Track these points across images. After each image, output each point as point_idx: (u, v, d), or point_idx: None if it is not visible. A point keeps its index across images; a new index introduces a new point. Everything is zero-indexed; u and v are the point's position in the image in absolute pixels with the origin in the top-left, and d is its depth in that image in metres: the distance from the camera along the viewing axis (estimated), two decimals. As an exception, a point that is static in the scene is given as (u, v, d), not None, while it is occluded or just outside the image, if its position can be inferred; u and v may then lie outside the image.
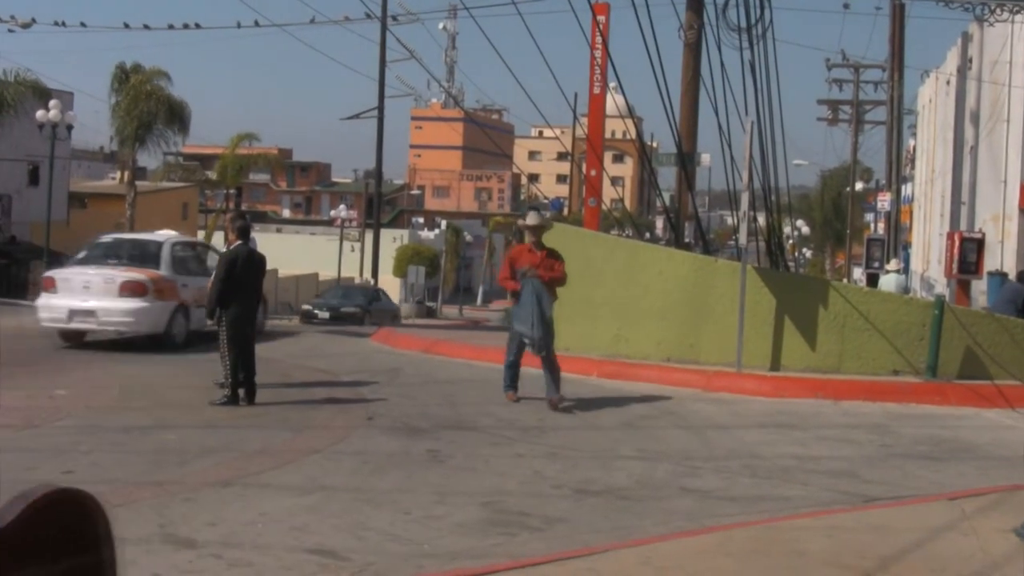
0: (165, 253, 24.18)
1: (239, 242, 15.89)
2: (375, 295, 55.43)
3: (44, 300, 23.69)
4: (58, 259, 50.70)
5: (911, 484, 11.87)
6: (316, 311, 51.05)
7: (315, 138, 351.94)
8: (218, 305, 15.54)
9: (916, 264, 53.02)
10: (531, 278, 15.67)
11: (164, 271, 23.61)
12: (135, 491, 10.22)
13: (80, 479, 10.63)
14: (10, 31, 49.79)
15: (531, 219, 16.66)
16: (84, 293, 22.82)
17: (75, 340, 23.93)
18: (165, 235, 25.77)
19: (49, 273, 25.17)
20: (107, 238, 26.24)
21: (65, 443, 12.39)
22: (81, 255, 24.85)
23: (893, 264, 31.12)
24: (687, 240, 27.49)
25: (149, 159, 77.11)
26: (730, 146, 24.44)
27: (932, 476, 12.38)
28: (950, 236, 31.51)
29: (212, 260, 25.10)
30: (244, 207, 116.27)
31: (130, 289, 22.69)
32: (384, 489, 10.83)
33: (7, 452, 11.80)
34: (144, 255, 24.08)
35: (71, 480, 10.57)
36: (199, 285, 23.11)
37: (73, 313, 22.85)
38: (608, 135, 43.10)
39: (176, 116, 53.23)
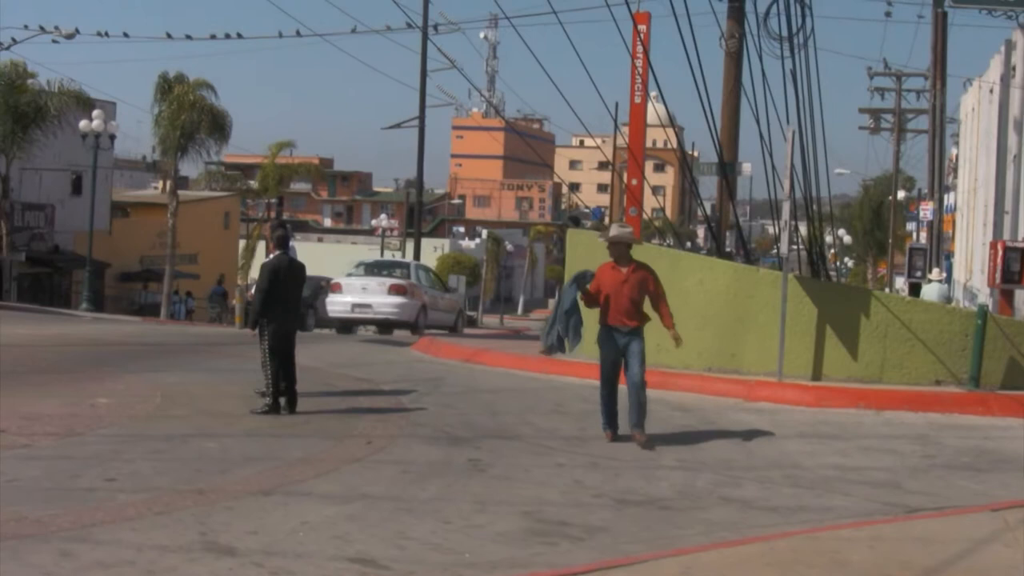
0: (412, 269, 36.56)
1: (279, 252, 15.91)
2: (324, 286, 39.33)
3: (332, 298, 33.79)
4: (100, 268, 51.13)
5: (954, 495, 11.80)
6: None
7: (356, 148, 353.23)
8: (262, 316, 15.55)
9: (959, 274, 52.70)
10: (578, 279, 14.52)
11: (414, 280, 34.68)
12: (176, 499, 10.26)
13: (122, 487, 10.70)
14: (54, 42, 50.12)
15: (612, 231, 14.63)
16: (362, 293, 33.12)
17: (347, 329, 35.10)
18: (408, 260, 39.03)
19: (336, 280, 34.98)
20: (369, 260, 41.21)
21: (107, 451, 12.44)
22: (354, 270, 36.07)
23: (935, 273, 30.93)
24: (728, 249, 27.43)
25: (191, 168, 77.44)
26: (771, 155, 24.35)
27: (975, 487, 12.31)
28: (993, 245, 31.25)
29: (431, 279, 38.32)
30: (285, 216, 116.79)
31: (396, 289, 33.08)
32: (425, 498, 10.84)
33: (51, 460, 11.87)
34: (399, 270, 36.10)
35: (113, 488, 10.63)
36: (432, 294, 36.00)
37: (354, 306, 33.17)
38: (649, 144, 43.02)
39: (218, 126, 53.42)
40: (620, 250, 14.42)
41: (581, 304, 14.62)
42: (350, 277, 34.90)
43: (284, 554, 8.67)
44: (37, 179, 52.12)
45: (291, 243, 16.59)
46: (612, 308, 14.20)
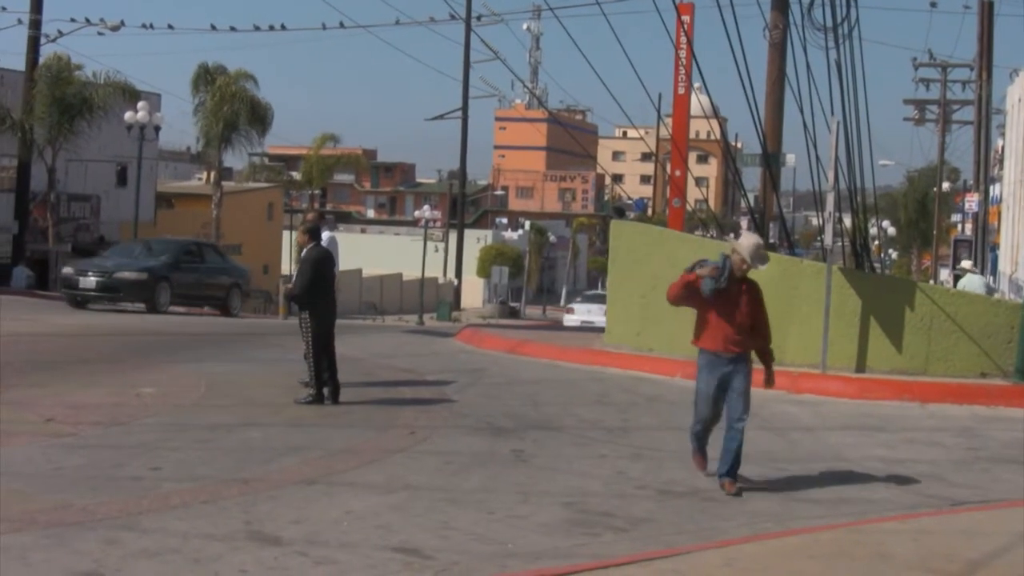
0: None
1: (313, 243, 15.94)
2: (194, 252, 35.47)
3: (567, 317, 53.99)
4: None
5: (999, 488, 11.75)
6: (79, 278, 32.20)
7: (399, 139, 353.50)
8: (308, 306, 15.61)
9: (1004, 266, 52.35)
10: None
11: None
12: (221, 488, 10.32)
13: (167, 476, 10.76)
14: (100, 34, 50.42)
15: (747, 244, 11.61)
16: (588, 314, 50.29)
17: (571, 331, 40.34)
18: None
19: (570, 305, 57.57)
20: (589, 293, 61.99)
21: (152, 440, 12.52)
22: (582, 298, 57.59)
23: (967, 263, 30.67)
24: (772, 241, 27.35)
25: (234, 159, 77.70)
26: (815, 146, 24.25)
27: (1021, 480, 12.23)
28: (1039, 237, 31.08)
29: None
30: (329, 207, 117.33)
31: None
32: (468, 488, 10.86)
33: (96, 449, 11.95)
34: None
35: (159, 477, 10.70)
36: None
37: (583, 321, 49.01)
38: (692, 135, 43.03)
39: (259, 117, 53.51)
40: (739, 263, 11.54)
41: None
42: (580, 303, 55.89)
43: (328, 543, 8.71)
44: (83, 170, 52.41)
45: (325, 233, 16.72)
46: (716, 330, 11.52)
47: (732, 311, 11.43)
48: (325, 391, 15.48)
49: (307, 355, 15.65)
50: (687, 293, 11.51)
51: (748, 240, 11.67)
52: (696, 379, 11.66)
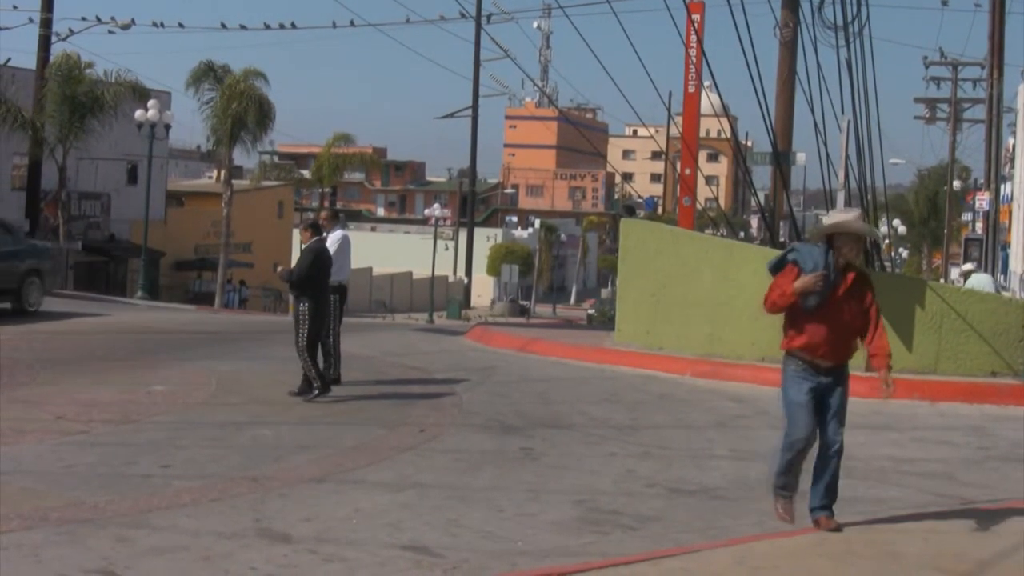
0: None
1: (316, 238, 16.02)
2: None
3: None
4: (156, 257, 51.45)
5: (1009, 487, 11.72)
6: None
7: (410, 137, 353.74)
8: (305, 296, 15.71)
9: (1015, 264, 52.28)
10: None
11: None
12: (231, 486, 10.34)
13: (177, 473, 10.79)
14: (110, 32, 50.49)
15: (836, 218, 9.42)
16: None
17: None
18: None
19: None
20: None
21: (162, 438, 12.55)
22: None
23: (968, 265, 30.63)
24: (782, 239, 27.31)
25: (244, 158, 77.84)
26: (826, 145, 24.20)
27: (1031, 479, 12.22)
28: (1050, 236, 31.03)
29: None
30: (339, 205, 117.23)
31: None
32: (478, 486, 10.87)
33: (107, 446, 11.97)
34: None
35: (169, 474, 10.71)
36: None
37: None
38: (703, 134, 42.94)
39: (263, 114, 53.37)
40: (850, 245, 9.17)
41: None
42: None
43: (338, 541, 8.72)
44: (93, 169, 52.44)
45: (338, 231, 16.93)
46: (816, 333, 9.38)
47: (839, 309, 9.32)
48: (320, 382, 15.56)
49: (301, 349, 15.68)
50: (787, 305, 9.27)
51: (848, 213, 9.48)
52: (783, 389, 9.44)
